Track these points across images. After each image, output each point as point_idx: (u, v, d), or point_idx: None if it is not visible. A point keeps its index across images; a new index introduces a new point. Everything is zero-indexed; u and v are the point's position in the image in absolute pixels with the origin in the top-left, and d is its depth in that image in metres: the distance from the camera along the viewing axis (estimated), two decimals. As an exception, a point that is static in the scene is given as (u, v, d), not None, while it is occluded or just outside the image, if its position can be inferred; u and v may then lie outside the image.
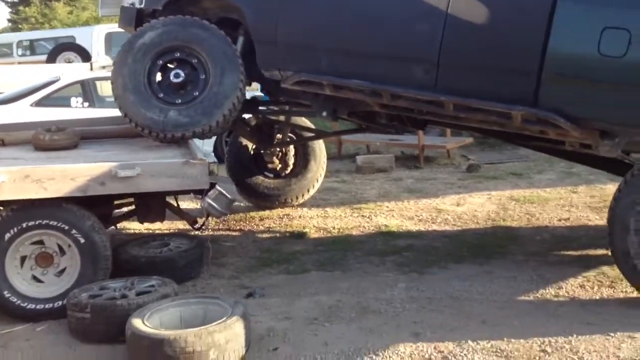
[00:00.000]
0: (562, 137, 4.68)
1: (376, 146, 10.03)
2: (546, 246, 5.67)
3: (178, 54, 5.13)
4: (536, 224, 6.34)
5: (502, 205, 6.96)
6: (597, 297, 4.55)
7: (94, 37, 15.39)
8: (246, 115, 6.51)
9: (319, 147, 7.12)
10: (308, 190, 7.07)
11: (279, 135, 6.78)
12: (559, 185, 7.69)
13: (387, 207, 7.06)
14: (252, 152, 7.00)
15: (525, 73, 4.33)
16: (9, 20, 48.43)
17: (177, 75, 5.10)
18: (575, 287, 4.71)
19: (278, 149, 6.90)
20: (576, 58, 4.23)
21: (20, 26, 41.59)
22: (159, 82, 5.13)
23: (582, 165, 6.37)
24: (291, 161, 7.00)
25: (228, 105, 5.04)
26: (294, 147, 7.04)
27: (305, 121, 7.04)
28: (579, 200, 6.76)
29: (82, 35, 15.95)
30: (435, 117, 5.11)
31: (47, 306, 4.42)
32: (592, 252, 4.85)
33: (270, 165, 6.94)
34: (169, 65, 5.16)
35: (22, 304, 4.40)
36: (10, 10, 46.34)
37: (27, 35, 21.00)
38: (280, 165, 6.95)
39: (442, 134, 9.87)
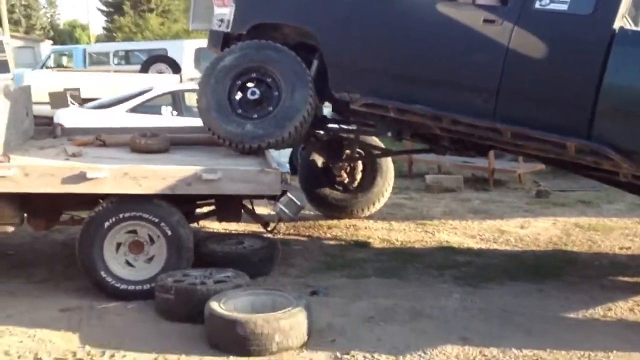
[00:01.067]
0: (616, 169, 4.91)
1: (447, 167, 10.28)
2: (603, 271, 5.84)
3: (254, 74, 5.69)
4: (597, 250, 6.49)
5: (566, 231, 7.12)
6: (645, 321, 4.75)
7: (184, 51, 16.27)
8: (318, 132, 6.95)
9: (386, 164, 7.53)
10: (374, 204, 7.48)
11: (347, 151, 7.22)
12: (626, 215, 7.75)
13: (451, 224, 7.37)
14: (322, 166, 7.48)
15: (580, 106, 4.62)
16: (104, 29, 50.99)
17: (253, 93, 5.68)
18: (624, 310, 4.92)
19: (346, 164, 7.35)
20: (629, 94, 4.50)
21: (114, 34, 43.68)
22: (238, 99, 5.70)
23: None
24: (358, 176, 7.44)
25: (299, 118, 5.54)
26: (362, 163, 7.47)
27: (374, 139, 7.44)
28: (644, 231, 6.91)
29: (173, 49, 16.88)
30: (495, 143, 5.43)
31: (137, 287, 4.96)
32: (648, 280, 5.09)
33: (338, 179, 7.39)
34: (246, 84, 5.72)
35: (116, 284, 4.96)
36: (105, 18, 48.79)
37: (123, 45, 22.34)
38: (348, 179, 7.40)
39: (514, 159, 10.01)
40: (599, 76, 4.54)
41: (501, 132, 4.99)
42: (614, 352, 4.13)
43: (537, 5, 4.84)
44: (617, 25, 4.59)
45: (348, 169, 7.44)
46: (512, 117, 4.88)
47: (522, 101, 4.87)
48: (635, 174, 4.87)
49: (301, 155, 7.95)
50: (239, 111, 5.69)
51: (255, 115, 5.67)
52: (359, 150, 7.36)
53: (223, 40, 6.15)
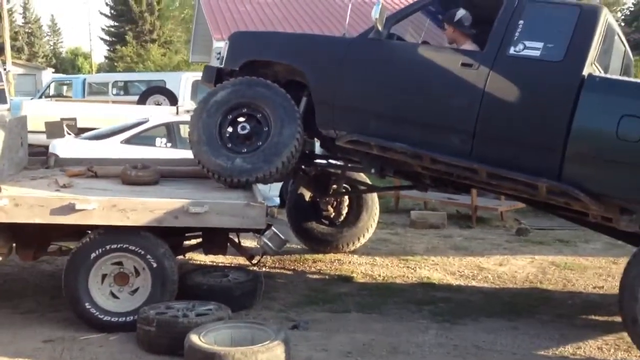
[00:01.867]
0: (585, 210, 5.09)
1: (432, 203, 10.47)
2: (575, 310, 5.98)
3: (245, 110, 5.86)
4: (571, 289, 6.63)
5: (542, 269, 7.27)
6: (611, 359, 4.88)
7: (182, 83, 16.44)
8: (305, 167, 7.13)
9: (372, 200, 7.69)
10: (359, 239, 7.62)
11: (334, 186, 7.40)
12: (602, 255, 7.92)
13: (433, 260, 7.52)
14: (309, 200, 7.63)
15: (551, 149, 4.82)
16: (106, 57, 51.57)
17: (243, 128, 5.86)
18: (593, 348, 5.06)
19: (333, 199, 7.51)
20: (596, 138, 4.71)
21: (115, 64, 44.16)
22: (228, 133, 5.86)
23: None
24: (344, 210, 7.60)
25: (286, 153, 5.70)
26: (348, 198, 7.63)
27: (360, 175, 7.61)
28: (617, 271, 6.91)
29: (171, 80, 17.02)
30: (472, 182, 5.61)
31: (120, 319, 5.04)
32: (617, 319, 5.09)
33: (325, 213, 7.55)
34: (237, 119, 5.88)
35: (99, 316, 5.04)
36: (107, 48, 49.38)
37: (122, 76, 22.64)
38: (334, 214, 7.57)
39: (496, 197, 10.18)
40: (569, 120, 4.75)
41: (477, 172, 5.17)
42: (580, 390, 4.27)
43: (511, 51, 5.08)
44: (586, 71, 4.83)
45: (334, 203, 7.61)
46: (488, 157, 5.07)
47: (497, 142, 5.06)
48: (603, 215, 5.04)
49: (290, 189, 8.10)
50: (229, 145, 5.83)
51: (245, 150, 5.81)
52: (345, 185, 7.54)
53: (216, 76, 6.32)
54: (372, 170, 5.98)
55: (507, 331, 5.34)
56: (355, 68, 5.64)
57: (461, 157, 5.15)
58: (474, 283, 6.75)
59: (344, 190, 7.53)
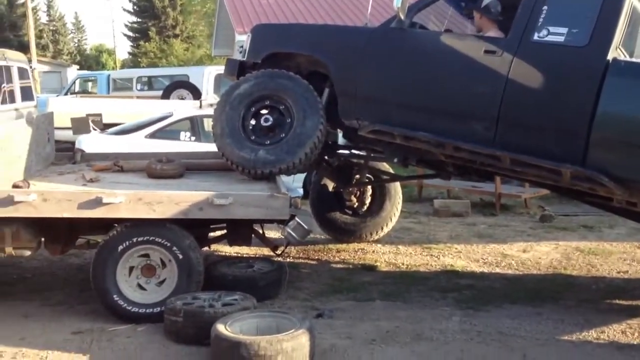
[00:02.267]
0: (610, 195, 5.06)
1: (455, 192, 10.44)
2: (599, 295, 5.96)
3: (268, 102, 5.89)
4: (595, 274, 6.62)
5: (567, 255, 7.25)
6: (635, 343, 4.87)
7: (205, 77, 16.52)
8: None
9: (395, 189, 7.70)
10: (382, 228, 7.65)
11: (357, 176, 7.42)
12: (626, 240, 7.87)
13: (456, 248, 7.52)
14: (332, 190, 7.66)
15: (575, 134, 4.78)
16: (129, 54, 52.04)
17: (266, 120, 5.88)
18: (617, 332, 5.05)
19: (356, 189, 7.54)
20: (621, 123, 4.67)
21: (139, 60, 44.51)
22: (251, 126, 5.90)
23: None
24: (368, 200, 7.63)
25: (309, 145, 5.73)
26: (371, 188, 7.65)
27: (383, 164, 7.62)
28: (642, 256, 7.01)
29: (195, 75, 17.15)
30: (496, 169, 5.60)
31: (147, 311, 5.11)
32: (642, 302, 5.21)
33: (348, 203, 7.58)
34: (260, 111, 5.92)
35: (127, 307, 5.12)
36: (131, 44, 49.80)
37: (146, 71, 22.84)
38: (357, 204, 7.59)
39: (520, 184, 10.13)
40: (593, 105, 4.70)
41: (501, 159, 5.16)
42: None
43: (535, 37, 5.03)
44: (610, 56, 4.77)
45: (357, 193, 7.63)
46: (511, 144, 5.05)
47: (520, 129, 5.04)
48: (628, 200, 5.00)
49: (313, 179, 8.14)
50: (252, 137, 5.87)
51: (268, 142, 5.84)
52: (368, 175, 7.55)
53: (239, 69, 6.36)
54: (395, 160, 5.99)
55: (531, 317, 5.34)
56: (377, 58, 5.63)
57: (484, 145, 5.13)
58: (497, 270, 6.75)
59: (366, 180, 7.54)
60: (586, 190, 5.17)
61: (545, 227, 8.61)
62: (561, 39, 4.95)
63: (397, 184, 7.78)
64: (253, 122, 5.94)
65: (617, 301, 5.81)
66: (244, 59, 6.39)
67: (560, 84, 4.92)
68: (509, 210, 9.70)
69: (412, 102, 5.46)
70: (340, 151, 7.14)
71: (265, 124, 5.89)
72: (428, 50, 5.52)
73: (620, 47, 4.87)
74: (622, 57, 4.85)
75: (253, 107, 5.92)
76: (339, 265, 6.90)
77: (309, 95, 5.80)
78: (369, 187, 7.64)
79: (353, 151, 7.24)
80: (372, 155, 6.95)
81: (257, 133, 5.91)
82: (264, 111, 5.95)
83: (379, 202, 7.64)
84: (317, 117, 5.74)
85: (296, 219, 5.40)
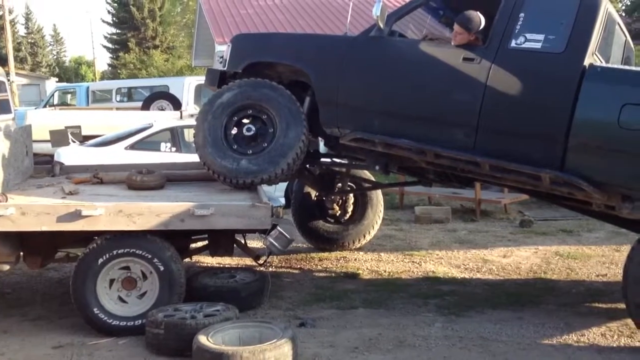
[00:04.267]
0: (588, 199, 5.11)
1: (436, 198, 10.50)
2: (579, 298, 6.01)
3: (250, 111, 5.87)
4: (575, 278, 6.68)
5: (546, 260, 7.31)
6: (615, 345, 4.92)
7: (185, 87, 16.44)
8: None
9: (377, 197, 7.73)
10: (364, 236, 7.66)
11: (339, 185, 7.43)
12: (605, 243, 7.96)
13: (437, 255, 7.55)
14: (314, 199, 7.67)
15: (554, 140, 4.83)
16: (109, 65, 51.73)
17: (249, 130, 5.86)
18: (597, 335, 5.10)
19: (338, 197, 7.54)
20: (598, 128, 4.72)
21: (119, 71, 44.30)
22: (233, 135, 5.88)
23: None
24: (350, 208, 7.64)
25: (292, 155, 5.73)
26: (353, 196, 7.66)
27: (364, 172, 7.65)
28: (620, 258, 6.99)
29: (175, 85, 17.03)
30: (476, 176, 5.64)
31: (129, 324, 5.08)
32: (621, 305, 5.18)
33: (330, 211, 7.58)
34: (242, 120, 5.90)
35: (108, 320, 5.07)
36: (110, 55, 49.55)
37: (125, 83, 22.71)
38: (339, 212, 7.59)
39: (500, 190, 10.20)
40: (571, 111, 4.76)
41: (481, 165, 5.19)
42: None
43: (512, 44, 5.08)
44: (587, 62, 4.83)
45: (340, 202, 7.64)
46: (491, 150, 5.09)
47: (500, 135, 5.07)
48: (607, 204, 5.06)
49: (295, 188, 8.13)
50: (235, 147, 5.85)
51: (250, 151, 5.83)
52: (350, 183, 7.56)
53: (220, 79, 6.34)
54: (377, 167, 5.99)
55: (512, 321, 5.38)
56: (357, 66, 5.65)
57: (465, 151, 5.16)
58: (478, 275, 6.79)
59: (348, 188, 7.54)
60: (565, 195, 5.22)
61: (524, 232, 8.68)
62: (538, 45, 5.00)
63: (379, 192, 7.81)
64: (235, 131, 5.92)
65: (597, 304, 5.87)
66: (225, 69, 6.38)
67: (538, 90, 4.96)
68: (489, 216, 9.78)
69: (393, 109, 5.49)
70: (322, 160, 7.14)
71: (247, 134, 5.87)
72: (407, 58, 5.55)
73: (596, 52, 4.94)
74: (598, 63, 4.93)
75: (235, 116, 5.91)
76: (321, 274, 6.89)
77: (291, 106, 5.80)
78: (351, 195, 7.65)
79: (335, 159, 7.25)
80: (353, 163, 6.96)
81: (240, 143, 5.90)
82: (246, 121, 5.94)
83: (361, 210, 7.66)
84: (300, 128, 5.75)
85: (278, 228, 5.37)
